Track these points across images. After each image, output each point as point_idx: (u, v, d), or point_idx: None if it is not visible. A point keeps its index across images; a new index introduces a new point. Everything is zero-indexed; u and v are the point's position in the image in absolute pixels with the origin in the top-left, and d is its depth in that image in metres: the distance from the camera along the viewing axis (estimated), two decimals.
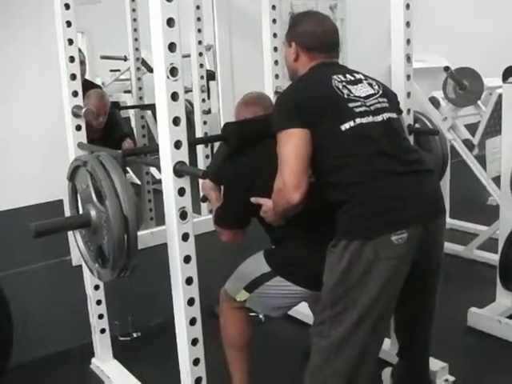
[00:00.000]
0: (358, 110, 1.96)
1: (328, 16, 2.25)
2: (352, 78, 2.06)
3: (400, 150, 1.99)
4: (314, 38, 2.13)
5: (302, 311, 2.87)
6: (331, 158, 1.92)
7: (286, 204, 1.91)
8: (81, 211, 2.00)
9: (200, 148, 3.41)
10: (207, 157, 3.46)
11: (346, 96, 1.98)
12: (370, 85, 2.09)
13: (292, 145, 1.89)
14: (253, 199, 2.10)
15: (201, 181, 2.49)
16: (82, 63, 2.95)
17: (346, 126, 1.92)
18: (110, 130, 3.37)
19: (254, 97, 2.41)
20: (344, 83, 2.02)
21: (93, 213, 1.87)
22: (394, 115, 2.07)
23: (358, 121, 1.94)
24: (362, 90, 2.03)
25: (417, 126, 3.43)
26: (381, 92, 2.08)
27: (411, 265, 1.94)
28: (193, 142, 2.77)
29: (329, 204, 1.97)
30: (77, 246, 2.06)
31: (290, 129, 1.91)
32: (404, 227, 1.86)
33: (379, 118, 1.99)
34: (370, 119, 1.97)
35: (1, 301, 2.55)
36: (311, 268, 2.03)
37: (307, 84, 2.06)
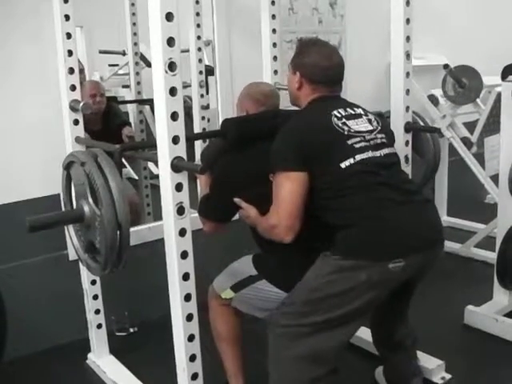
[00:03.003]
0: (357, 145, 1.99)
1: (335, 48, 2.24)
2: (352, 112, 2.09)
3: (400, 181, 2.04)
4: (320, 72, 2.12)
5: None
6: (332, 189, 1.95)
7: (276, 239, 1.97)
8: (74, 199, 2.01)
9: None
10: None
11: (346, 133, 2.00)
12: (369, 121, 2.11)
13: (289, 188, 1.93)
14: (236, 200, 2.10)
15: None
16: (81, 72, 2.98)
17: (346, 164, 1.95)
18: (109, 120, 3.45)
19: (263, 94, 2.34)
20: (344, 119, 2.04)
21: (86, 209, 1.89)
22: (392, 150, 2.11)
23: (358, 157, 1.97)
24: (361, 126, 2.06)
25: None
26: (379, 128, 2.11)
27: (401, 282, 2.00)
28: (191, 138, 2.75)
29: (325, 225, 1.99)
30: (70, 238, 2.06)
31: (288, 171, 1.93)
32: (402, 256, 1.90)
33: (378, 154, 2.02)
34: (369, 154, 2.00)
35: None
36: (296, 275, 2.04)
37: (307, 122, 2.07)
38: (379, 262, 1.88)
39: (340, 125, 2.02)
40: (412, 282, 2.11)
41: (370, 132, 2.06)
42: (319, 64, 2.12)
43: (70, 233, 2.06)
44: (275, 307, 2.19)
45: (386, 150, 2.06)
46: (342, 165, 1.95)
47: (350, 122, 2.04)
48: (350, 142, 1.99)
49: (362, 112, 2.14)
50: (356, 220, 1.92)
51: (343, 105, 2.12)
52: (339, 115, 2.05)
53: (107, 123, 3.41)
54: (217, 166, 2.25)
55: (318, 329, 1.95)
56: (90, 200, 1.86)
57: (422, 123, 3.61)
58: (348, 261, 1.90)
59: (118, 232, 1.81)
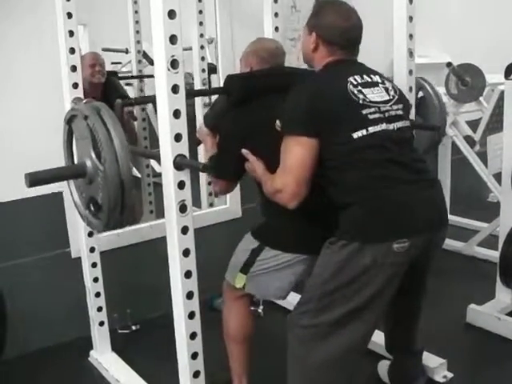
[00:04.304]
0: (371, 116, 1.93)
1: (354, 8, 2.11)
2: (369, 80, 2.02)
3: (409, 159, 1.98)
4: (337, 33, 2.03)
5: None
6: (340, 160, 1.91)
7: (280, 203, 1.93)
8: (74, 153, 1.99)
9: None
10: (204, 83, 3.44)
11: (361, 101, 1.94)
12: (386, 90, 2.04)
13: (299, 153, 1.88)
14: (244, 151, 2.06)
15: (198, 125, 2.45)
16: None
17: (358, 134, 1.89)
18: (109, 94, 3.41)
19: (268, 52, 2.29)
20: (360, 87, 1.97)
21: (88, 163, 1.84)
22: (406, 123, 2.05)
23: (371, 129, 1.91)
24: (377, 95, 1.99)
25: (420, 94, 3.41)
26: (396, 97, 2.04)
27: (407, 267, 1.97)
28: (194, 94, 2.68)
29: (330, 201, 1.97)
30: (70, 194, 2.03)
31: (300, 136, 1.89)
32: (407, 236, 1.87)
33: (391, 127, 1.96)
34: (383, 127, 1.94)
35: None
36: (295, 231, 2.07)
37: (322, 87, 1.98)
38: (383, 243, 1.85)
39: (356, 92, 1.94)
40: (419, 268, 2.07)
41: (386, 102, 1.99)
42: (336, 25, 2.03)
43: (71, 189, 2.02)
44: (287, 283, 2.18)
45: (399, 124, 1.99)
46: (355, 135, 1.88)
47: (365, 91, 1.96)
48: (364, 112, 1.92)
49: (380, 80, 2.05)
50: (358, 198, 1.89)
51: (360, 71, 2.04)
52: (355, 82, 1.97)
53: (107, 97, 3.35)
54: (222, 128, 2.21)
55: (337, 326, 1.93)
56: (93, 155, 1.81)
57: (428, 88, 3.57)
58: (352, 244, 1.87)
59: (121, 194, 1.77)
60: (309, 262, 2.13)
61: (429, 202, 1.97)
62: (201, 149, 3.45)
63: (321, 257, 1.99)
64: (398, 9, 2.40)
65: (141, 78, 3.67)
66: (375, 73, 2.09)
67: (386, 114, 1.97)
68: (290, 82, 2.04)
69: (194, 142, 2.39)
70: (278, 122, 1.95)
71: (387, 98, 2.01)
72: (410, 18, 2.39)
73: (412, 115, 2.50)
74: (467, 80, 3.88)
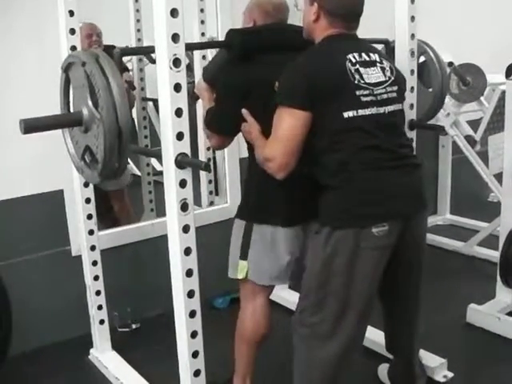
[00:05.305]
0: (364, 99, 1.93)
1: None
2: (367, 59, 1.99)
3: (394, 145, 1.99)
4: (339, 5, 1.98)
5: None
6: (326, 140, 1.93)
7: (269, 172, 1.94)
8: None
9: (201, 139, 3.41)
10: (204, 57, 3.40)
11: (356, 82, 1.93)
12: (383, 70, 2.02)
13: (291, 124, 1.89)
14: (244, 111, 2.04)
15: (196, 80, 2.39)
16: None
17: (349, 114, 1.90)
18: None
19: (273, 6, 2.20)
20: (357, 65, 1.95)
21: (85, 112, 1.80)
22: (398, 107, 2.05)
23: (361, 112, 1.91)
24: (373, 76, 1.97)
25: (422, 58, 3.35)
26: (392, 79, 2.03)
27: (392, 254, 1.99)
28: (192, 47, 2.63)
29: (314, 179, 2.00)
30: (65, 145, 1.99)
31: (293, 108, 1.89)
32: (385, 220, 1.91)
33: (382, 110, 1.96)
34: (373, 110, 1.94)
35: None
36: (278, 201, 2.08)
37: (321, 61, 1.97)
38: (363, 229, 1.90)
39: (353, 71, 1.93)
40: (407, 261, 2.10)
41: (381, 84, 1.97)
42: None
43: (66, 139, 1.98)
44: (284, 267, 2.16)
45: (391, 107, 1.99)
46: (345, 114, 1.89)
47: (362, 70, 1.95)
48: (358, 93, 1.92)
49: (378, 59, 2.02)
50: (339, 183, 1.92)
51: (359, 48, 2.01)
52: (354, 60, 1.95)
53: None
54: (221, 82, 2.16)
55: (336, 321, 1.95)
56: (90, 102, 1.77)
57: (430, 52, 3.53)
58: (336, 232, 1.91)
59: (118, 144, 1.73)
60: (300, 234, 2.14)
61: (408, 187, 2.00)
62: (201, 148, 3.47)
63: (310, 249, 2.03)
64: (400, 8, 2.39)
65: (139, 54, 3.59)
66: (374, 51, 2.07)
67: (379, 97, 1.97)
68: (302, 42, 2.04)
69: (192, 98, 2.35)
70: (277, 83, 1.94)
71: (383, 79, 2.00)
72: (412, 18, 2.39)
73: (413, 114, 2.50)
74: (468, 80, 3.88)
